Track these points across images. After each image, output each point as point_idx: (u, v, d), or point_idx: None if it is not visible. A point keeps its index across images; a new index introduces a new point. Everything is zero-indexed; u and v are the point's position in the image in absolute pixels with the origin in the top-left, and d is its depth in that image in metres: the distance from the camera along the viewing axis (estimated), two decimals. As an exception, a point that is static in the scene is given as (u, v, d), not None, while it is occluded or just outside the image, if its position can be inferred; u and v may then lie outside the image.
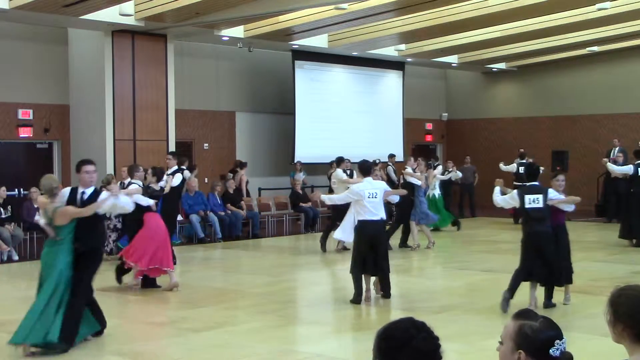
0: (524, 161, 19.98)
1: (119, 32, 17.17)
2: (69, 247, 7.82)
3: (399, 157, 23.42)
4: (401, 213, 15.48)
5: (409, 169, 15.81)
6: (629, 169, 16.01)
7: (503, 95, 26.86)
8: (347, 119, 22.84)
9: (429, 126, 27.14)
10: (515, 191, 9.70)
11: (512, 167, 20.30)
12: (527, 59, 24.55)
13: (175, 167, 14.09)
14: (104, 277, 12.68)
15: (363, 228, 10.13)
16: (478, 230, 19.32)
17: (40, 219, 8.46)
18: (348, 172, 21.47)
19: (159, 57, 18.14)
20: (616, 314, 2.78)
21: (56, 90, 18.00)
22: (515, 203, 9.58)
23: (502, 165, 20.64)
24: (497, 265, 13.37)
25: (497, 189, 9.93)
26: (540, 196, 9.36)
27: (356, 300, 10.12)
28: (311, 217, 18.98)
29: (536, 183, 9.58)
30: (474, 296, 10.69)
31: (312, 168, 21.21)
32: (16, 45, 17.49)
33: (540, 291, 9.57)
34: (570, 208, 9.84)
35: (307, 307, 10.67)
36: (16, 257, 14.30)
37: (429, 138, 27.19)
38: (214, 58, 20.84)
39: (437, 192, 17.91)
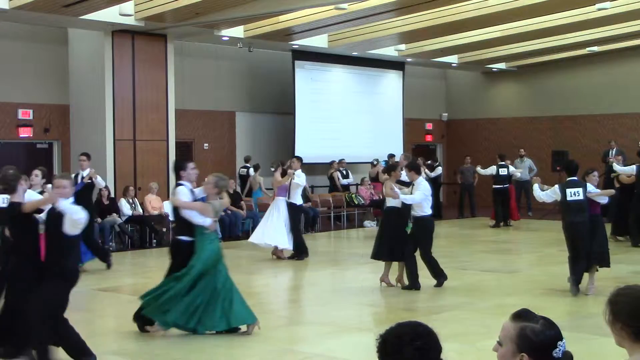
0: (503, 163, 20.05)
1: (119, 32, 17.17)
2: None
3: (399, 157, 23.40)
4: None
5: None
6: (631, 169, 16.03)
7: (503, 95, 26.86)
8: (347, 119, 22.83)
9: (429, 126, 27.13)
10: (556, 186, 10.62)
11: (492, 170, 20.14)
12: (527, 59, 24.54)
13: (89, 170, 13.14)
14: (103, 277, 12.72)
15: (431, 223, 11.01)
16: (478, 230, 19.32)
17: (202, 218, 8.34)
18: (344, 172, 21.58)
19: (159, 57, 18.13)
20: (614, 313, 2.79)
21: (56, 90, 18.00)
22: (557, 196, 10.46)
23: (479, 169, 20.59)
24: (497, 265, 13.38)
25: (536, 186, 10.92)
26: (580, 189, 10.34)
27: (416, 286, 10.85)
28: (311, 217, 18.96)
29: (575, 178, 10.53)
30: (474, 296, 10.69)
31: (312, 168, 21.18)
32: (16, 45, 17.48)
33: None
34: (604, 200, 10.88)
35: (307, 307, 10.68)
36: (16, 257, 14.27)
37: (429, 138, 27.17)
38: (214, 58, 20.83)
39: None
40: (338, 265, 14.34)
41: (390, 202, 11.01)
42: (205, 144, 20.84)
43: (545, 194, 10.70)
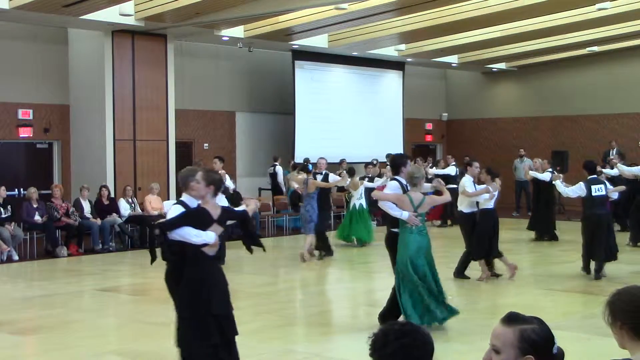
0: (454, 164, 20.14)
1: (119, 32, 17.17)
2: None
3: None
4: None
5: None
6: (638, 169, 16.07)
7: (503, 95, 26.86)
8: (347, 119, 22.83)
9: (429, 126, 27.14)
10: (581, 183, 11.80)
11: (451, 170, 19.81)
12: (527, 59, 24.55)
13: None
14: (104, 277, 12.72)
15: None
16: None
17: (398, 211, 8.44)
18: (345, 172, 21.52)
19: (159, 57, 18.14)
20: (613, 313, 2.79)
21: (56, 90, 18.00)
22: (582, 192, 11.68)
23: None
24: (497, 265, 13.35)
25: (558, 182, 12.30)
26: (602, 186, 11.80)
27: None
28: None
29: (595, 176, 11.99)
30: (474, 296, 10.68)
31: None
32: (16, 45, 17.48)
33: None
34: (615, 196, 12.43)
35: (307, 307, 10.66)
36: (16, 257, 14.29)
37: (429, 138, 27.19)
38: (214, 58, 20.84)
39: (363, 201, 16.10)
40: (337, 266, 14.33)
41: (485, 205, 11.57)
42: (205, 144, 20.84)
43: (571, 190, 11.93)
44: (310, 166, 14.48)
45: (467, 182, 11.68)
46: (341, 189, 20.82)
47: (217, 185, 6.11)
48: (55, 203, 15.32)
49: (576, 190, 11.84)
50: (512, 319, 2.64)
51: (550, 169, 16.12)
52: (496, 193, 11.63)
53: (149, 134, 18.00)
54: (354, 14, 16.63)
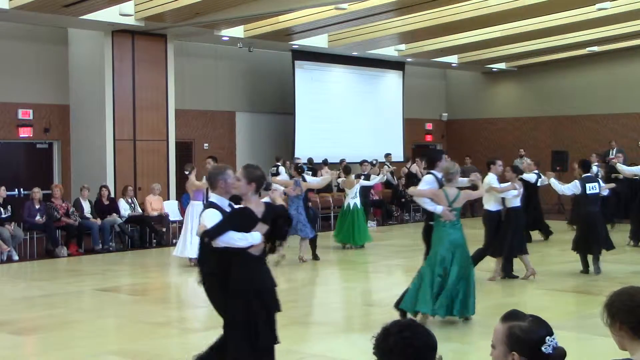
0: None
1: (119, 32, 17.17)
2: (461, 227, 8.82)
3: (399, 156, 23.43)
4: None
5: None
6: (638, 169, 16.10)
7: (503, 95, 26.85)
8: (347, 119, 22.83)
9: (429, 126, 27.14)
10: (576, 181, 12.19)
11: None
12: (527, 59, 24.55)
13: None
14: (104, 277, 12.72)
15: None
16: (478, 230, 19.25)
17: (432, 205, 8.58)
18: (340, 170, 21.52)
19: (159, 57, 18.13)
20: (612, 314, 2.79)
21: (56, 90, 18.00)
22: (577, 190, 12.01)
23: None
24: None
25: (553, 180, 12.45)
26: (596, 184, 12.11)
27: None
28: (311, 217, 18.91)
29: (590, 174, 12.42)
30: (474, 296, 10.66)
31: (312, 168, 21.19)
32: (16, 45, 17.48)
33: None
34: (606, 192, 13.00)
35: (307, 307, 10.67)
36: (16, 257, 14.28)
37: (429, 138, 27.18)
38: (213, 58, 20.83)
39: (357, 200, 15.77)
40: (337, 266, 14.33)
41: (512, 203, 11.61)
42: (205, 144, 20.84)
43: (566, 188, 12.18)
44: (305, 167, 14.44)
45: (492, 180, 11.48)
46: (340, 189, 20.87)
47: (259, 182, 5.66)
48: (55, 203, 15.31)
49: (571, 188, 12.15)
50: (508, 316, 2.71)
51: (536, 171, 16.04)
52: (521, 190, 11.67)
53: (149, 134, 18.00)
54: (354, 14, 16.63)
